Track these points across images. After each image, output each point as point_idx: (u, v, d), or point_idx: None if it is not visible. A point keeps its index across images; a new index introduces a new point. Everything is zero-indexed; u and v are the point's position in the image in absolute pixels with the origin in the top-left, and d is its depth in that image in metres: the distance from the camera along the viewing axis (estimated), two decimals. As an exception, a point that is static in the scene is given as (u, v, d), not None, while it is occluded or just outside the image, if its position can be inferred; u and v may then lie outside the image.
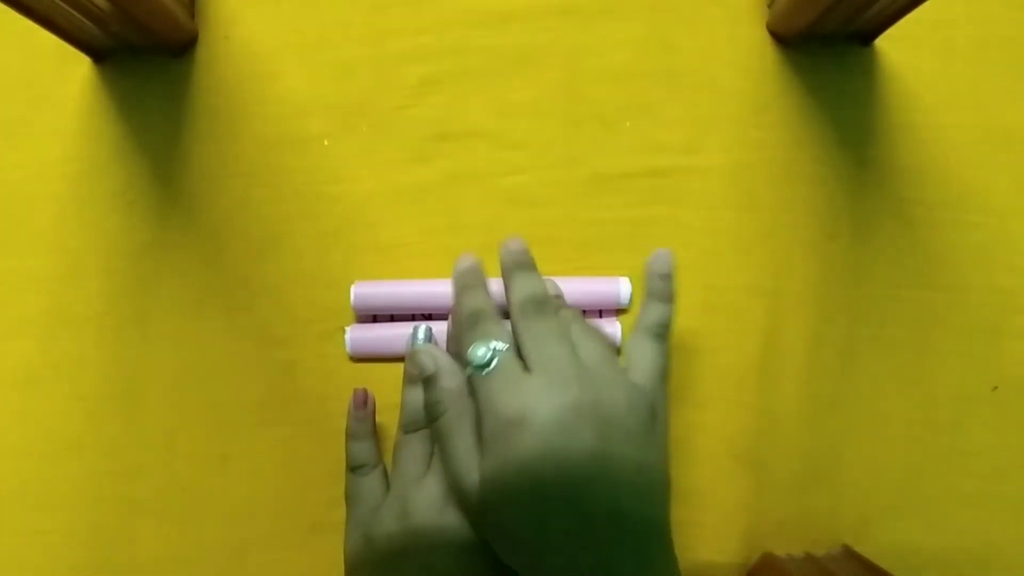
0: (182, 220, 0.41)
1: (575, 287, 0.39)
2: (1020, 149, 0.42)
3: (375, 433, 0.38)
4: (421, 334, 0.37)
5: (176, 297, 0.40)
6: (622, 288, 0.40)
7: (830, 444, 0.40)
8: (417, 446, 0.34)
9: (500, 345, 0.31)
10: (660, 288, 0.35)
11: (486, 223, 0.41)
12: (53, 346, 0.40)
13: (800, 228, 0.41)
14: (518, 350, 0.31)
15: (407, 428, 0.35)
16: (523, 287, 0.33)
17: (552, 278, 0.38)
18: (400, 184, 0.41)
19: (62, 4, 0.35)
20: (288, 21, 0.42)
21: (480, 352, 0.31)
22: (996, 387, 0.40)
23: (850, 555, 0.38)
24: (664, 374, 0.33)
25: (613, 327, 0.40)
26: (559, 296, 0.37)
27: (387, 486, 0.35)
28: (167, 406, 0.40)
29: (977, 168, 0.42)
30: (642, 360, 0.33)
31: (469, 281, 0.35)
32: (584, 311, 0.40)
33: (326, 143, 0.41)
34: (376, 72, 0.42)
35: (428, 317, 0.40)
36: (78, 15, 0.36)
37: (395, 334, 0.39)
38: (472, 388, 0.31)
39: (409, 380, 0.36)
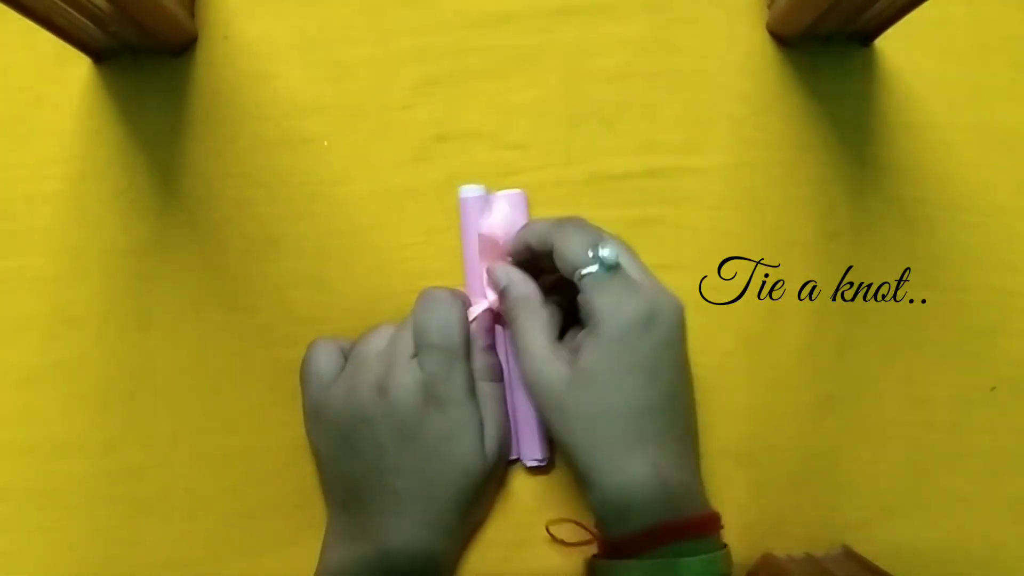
0: (182, 220, 0.41)
1: None
2: (1020, 149, 0.42)
3: None
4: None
5: (176, 297, 0.40)
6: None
7: (829, 444, 0.40)
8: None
9: (618, 246, 0.34)
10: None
11: (486, 223, 0.41)
12: (53, 346, 0.40)
13: (800, 228, 0.41)
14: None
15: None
16: (585, 227, 0.35)
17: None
18: (400, 184, 0.41)
19: (62, 4, 0.35)
20: (288, 21, 0.42)
21: (609, 251, 0.33)
22: (994, 387, 0.40)
23: (850, 555, 0.38)
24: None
25: None
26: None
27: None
28: (167, 406, 0.40)
29: (977, 168, 0.42)
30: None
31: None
32: None
33: (326, 143, 0.41)
34: (376, 72, 0.42)
35: None
36: (78, 15, 0.36)
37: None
38: (587, 287, 0.33)
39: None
